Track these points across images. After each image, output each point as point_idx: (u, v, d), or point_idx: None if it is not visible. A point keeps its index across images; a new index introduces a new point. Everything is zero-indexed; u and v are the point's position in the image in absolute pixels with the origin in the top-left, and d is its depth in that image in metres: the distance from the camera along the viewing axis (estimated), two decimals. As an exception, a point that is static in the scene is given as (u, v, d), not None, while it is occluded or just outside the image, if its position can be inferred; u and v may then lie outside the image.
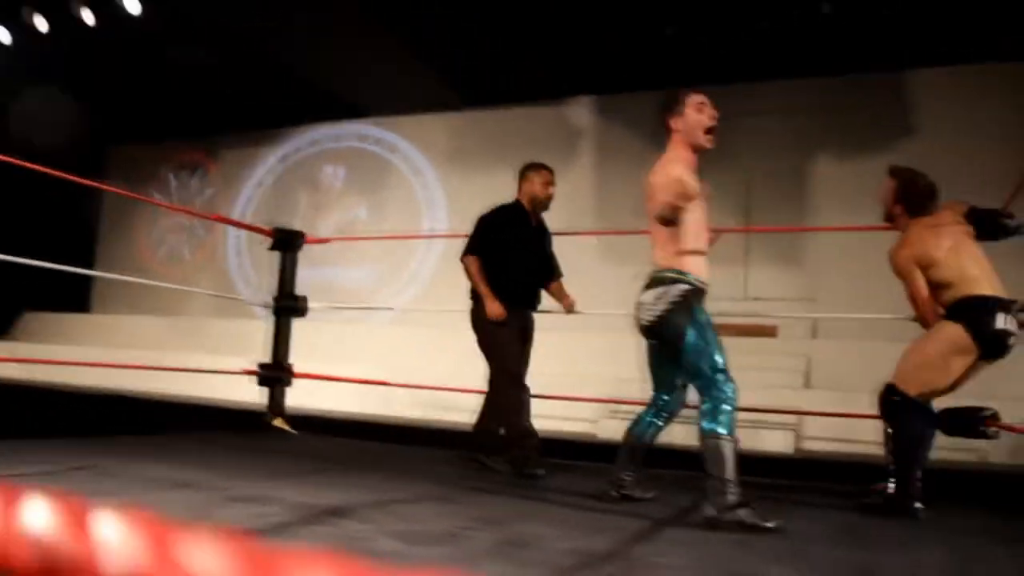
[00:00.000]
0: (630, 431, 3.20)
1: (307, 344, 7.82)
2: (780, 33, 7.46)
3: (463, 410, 7.13)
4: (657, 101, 3.22)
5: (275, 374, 5.55)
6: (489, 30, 7.93)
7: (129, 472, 3.15)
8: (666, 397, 3.23)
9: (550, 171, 4.35)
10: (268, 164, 11.30)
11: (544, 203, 4.32)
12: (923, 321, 3.49)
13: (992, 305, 3.33)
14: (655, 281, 3.01)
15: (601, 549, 2.19)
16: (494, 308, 4.05)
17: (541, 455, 3.99)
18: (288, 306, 5.67)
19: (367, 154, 10.64)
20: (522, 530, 2.43)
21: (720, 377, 2.86)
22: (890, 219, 3.70)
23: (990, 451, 5.78)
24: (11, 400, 7.60)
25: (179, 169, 12.01)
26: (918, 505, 3.33)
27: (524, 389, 4.12)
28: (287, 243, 5.76)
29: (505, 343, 4.11)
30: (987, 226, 3.70)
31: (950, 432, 3.71)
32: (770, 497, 3.80)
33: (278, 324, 5.68)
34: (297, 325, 5.96)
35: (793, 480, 4.69)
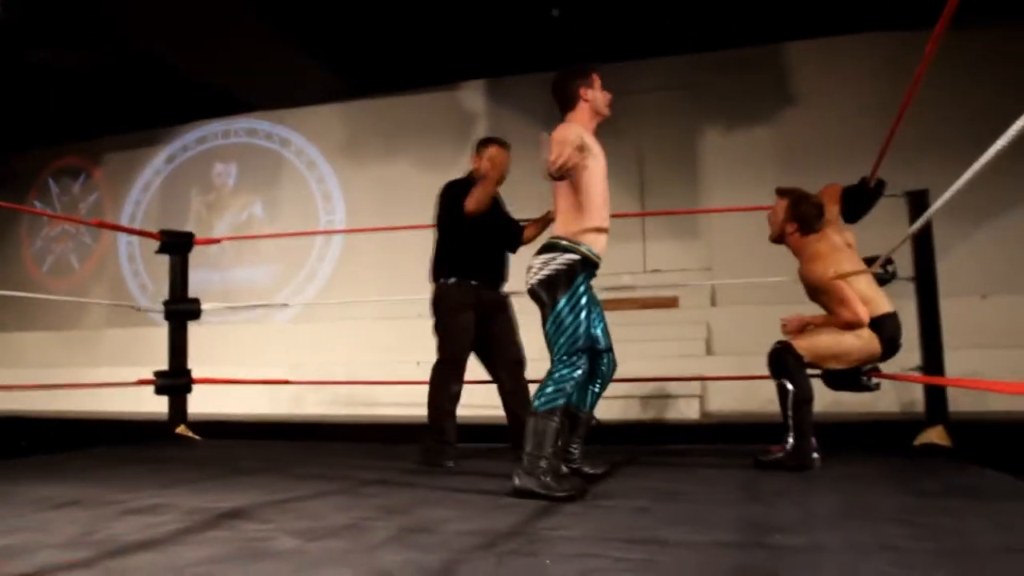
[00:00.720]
0: (569, 402, 3.12)
1: (211, 348, 7.63)
2: (662, 10, 7.58)
3: (373, 403, 7.12)
4: (561, 75, 3.30)
5: (173, 382, 5.38)
6: (376, 16, 7.81)
7: (18, 494, 3.00)
8: (598, 362, 3.25)
9: (504, 146, 4.16)
10: (155, 165, 10.88)
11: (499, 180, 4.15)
12: (857, 324, 3.60)
13: (898, 321, 3.69)
14: (547, 247, 3.04)
15: (503, 528, 2.21)
16: (485, 197, 3.90)
17: (455, 447, 3.96)
18: (180, 310, 5.50)
19: (259, 149, 10.36)
20: (424, 516, 2.42)
21: (567, 359, 2.90)
22: (780, 239, 3.85)
23: (879, 401, 6.05)
24: None
25: (60, 175, 11.45)
26: (815, 456, 3.50)
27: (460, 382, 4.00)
28: (176, 245, 5.59)
29: (460, 330, 3.96)
30: (860, 201, 3.93)
31: (834, 386, 3.91)
32: (677, 463, 3.91)
33: (173, 329, 5.50)
34: (200, 330, 5.80)
35: (701, 445, 4.84)
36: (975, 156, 2.22)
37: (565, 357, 2.91)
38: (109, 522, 2.40)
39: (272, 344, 8.94)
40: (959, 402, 4.86)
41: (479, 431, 4.71)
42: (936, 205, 3.07)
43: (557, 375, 2.90)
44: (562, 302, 2.93)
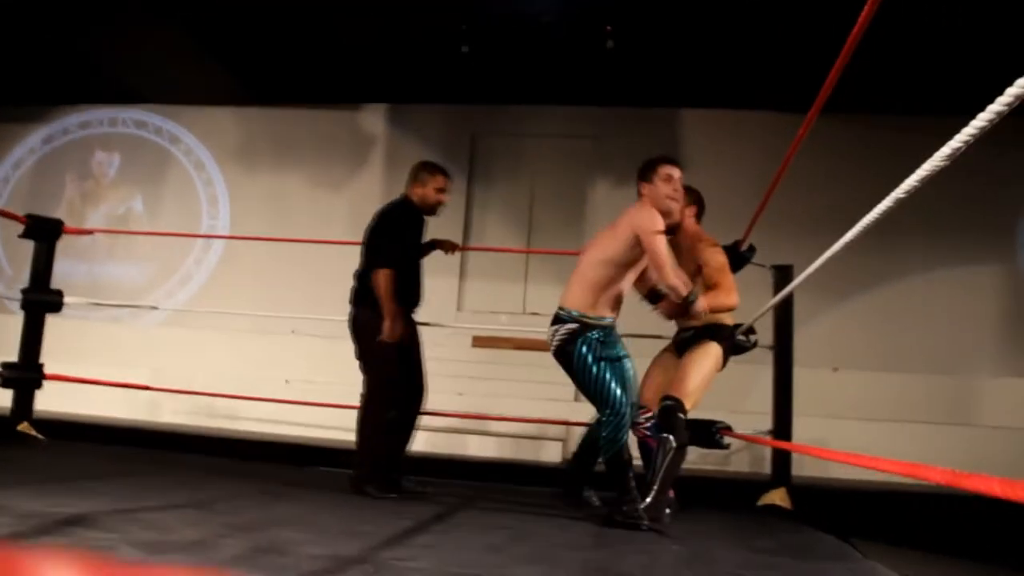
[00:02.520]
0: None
1: (70, 344, 7.26)
2: (569, 61, 7.83)
3: (234, 417, 6.93)
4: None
5: (21, 375, 5.09)
6: (282, 26, 7.72)
7: None
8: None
9: (446, 176, 4.10)
10: (29, 144, 10.33)
11: (432, 210, 4.06)
12: (732, 306, 3.78)
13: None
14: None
15: (351, 554, 2.21)
16: (396, 328, 3.77)
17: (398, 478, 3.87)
18: (39, 300, 5.22)
19: (145, 142, 10.00)
20: (275, 536, 2.39)
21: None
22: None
23: (732, 460, 6.35)
24: None
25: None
26: (668, 510, 3.59)
27: (396, 407, 3.90)
28: (42, 232, 5.32)
29: (393, 360, 3.85)
30: (731, 261, 4.14)
31: (690, 442, 4.07)
32: (534, 504, 3.98)
33: (28, 320, 5.22)
34: (61, 324, 5.51)
35: (560, 488, 4.93)
36: (839, 236, 2.41)
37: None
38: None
39: (136, 346, 8.57)
40: (804, 466, 5.15)
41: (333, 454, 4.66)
42: (796, 281, 3.29)
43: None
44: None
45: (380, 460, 3.83)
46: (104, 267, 9.56)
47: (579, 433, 6.62)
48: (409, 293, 3.98)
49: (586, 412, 6.43)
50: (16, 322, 5.34)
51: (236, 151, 9.59)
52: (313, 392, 5.91)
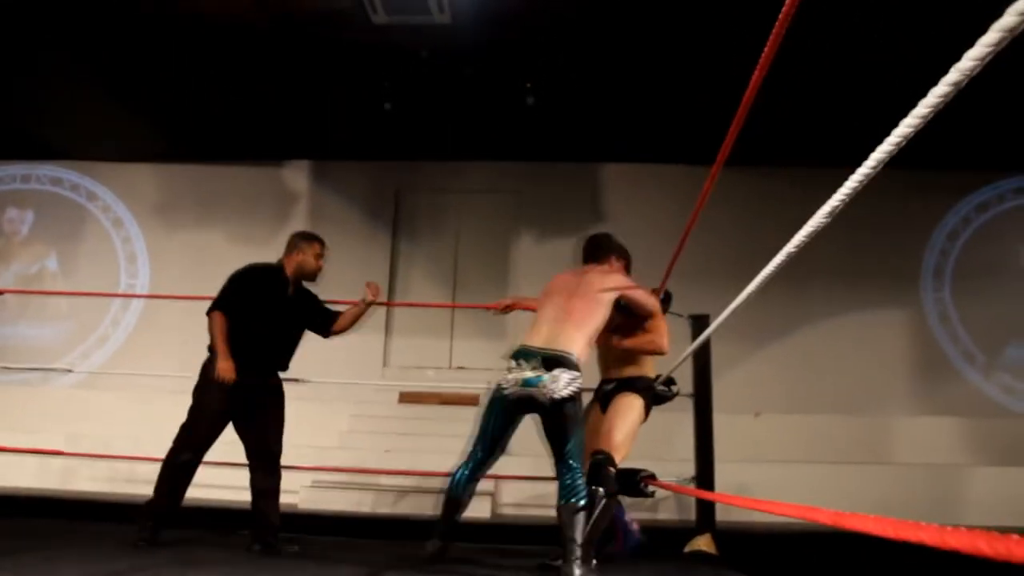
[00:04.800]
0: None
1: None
2: (490, 117, 7.99)
3: (151, 483, 6.69)
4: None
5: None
6: (205, 84, 7.69)
7: None
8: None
9: (323, 244, 4.29)
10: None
11: (312, 275, 4.26)
12: (662, 351, 3.94)
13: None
14: (571, 364, 3.42)
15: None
16: (225, 367, 3.86)
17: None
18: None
19: (61, 199, 9.75)
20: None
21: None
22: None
23: (659, 508, 6.41)
24: None
25: None
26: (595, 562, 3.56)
27: (188, 468, 3.95)
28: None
29: (204, 412, 3.92)
30: None
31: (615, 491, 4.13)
32: (463, 560, 3.96)
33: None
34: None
35: (489, 544, 4.90)
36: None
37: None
38: None
39: (49, 411, 8.23)
40: (730, 512, 5.24)
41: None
42: (709, 329, 3.40)
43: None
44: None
45: (156, 502, 3.88)
46: (15, 328, 9.22)
47: (511, 488, 6.62)
48: (258, 351, 4.05)
49: (510, 466, 6.44)
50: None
51: (156, 208, 9.43)
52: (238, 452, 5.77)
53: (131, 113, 8.32)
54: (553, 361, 3.36)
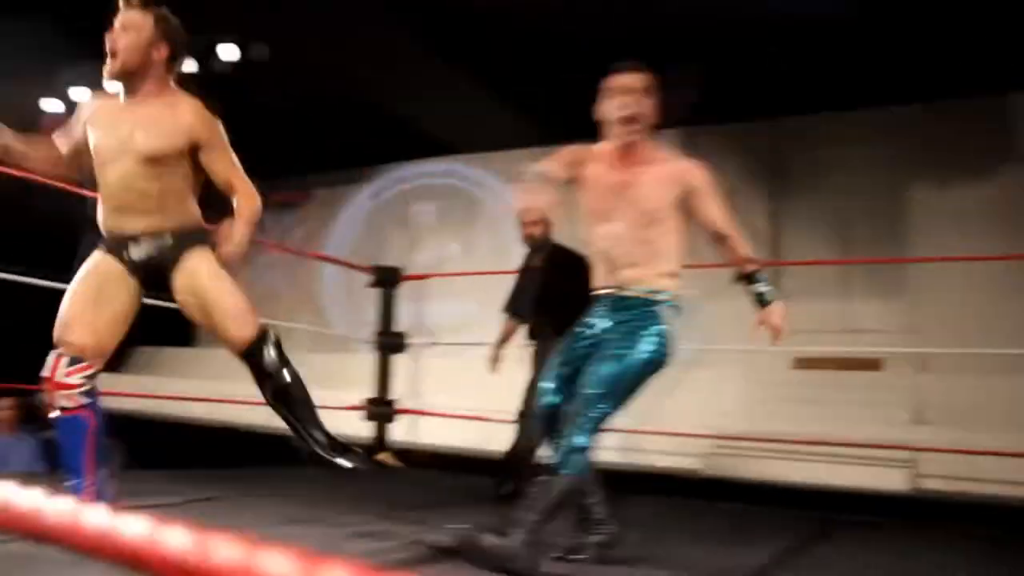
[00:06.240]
0: None
1: (407, 379, 7.86)
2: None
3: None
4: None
5: (381, 410, 5.69)
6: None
7: (248, 506, 3.28)
8: None
9: None
10: (358, 201, 11.70)
11: None
12: None
13: None
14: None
15: None
16: None
17: None
18: (390, 343, 5.81)
19: (457, 190, 10.89)
20: None
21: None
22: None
23: None
24: (126, 431, 7.89)
25: (278, 208, 12.37)
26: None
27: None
28: (385, 280, 5.92)
29: None
30: None
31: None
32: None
33: (382, 360, 5.82)
34: (402, 361, 6.08)
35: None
36: None
37: None
38: (343, 543, 2.59)
39: (465, 378, 9.11)
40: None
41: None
42: None
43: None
44: None
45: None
46: (431, 305, 10.38)
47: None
48: None
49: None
50: (359, 360, 5.94)
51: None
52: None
53: (502, 106, 9.02)
54: None
